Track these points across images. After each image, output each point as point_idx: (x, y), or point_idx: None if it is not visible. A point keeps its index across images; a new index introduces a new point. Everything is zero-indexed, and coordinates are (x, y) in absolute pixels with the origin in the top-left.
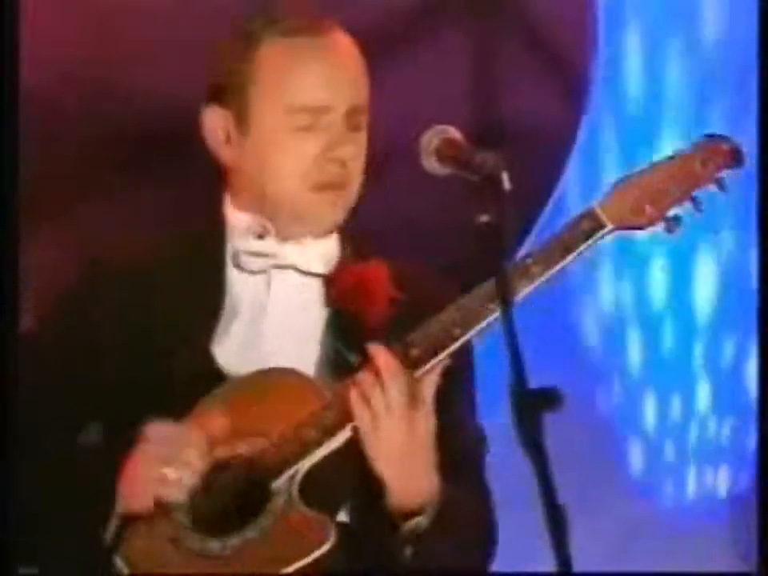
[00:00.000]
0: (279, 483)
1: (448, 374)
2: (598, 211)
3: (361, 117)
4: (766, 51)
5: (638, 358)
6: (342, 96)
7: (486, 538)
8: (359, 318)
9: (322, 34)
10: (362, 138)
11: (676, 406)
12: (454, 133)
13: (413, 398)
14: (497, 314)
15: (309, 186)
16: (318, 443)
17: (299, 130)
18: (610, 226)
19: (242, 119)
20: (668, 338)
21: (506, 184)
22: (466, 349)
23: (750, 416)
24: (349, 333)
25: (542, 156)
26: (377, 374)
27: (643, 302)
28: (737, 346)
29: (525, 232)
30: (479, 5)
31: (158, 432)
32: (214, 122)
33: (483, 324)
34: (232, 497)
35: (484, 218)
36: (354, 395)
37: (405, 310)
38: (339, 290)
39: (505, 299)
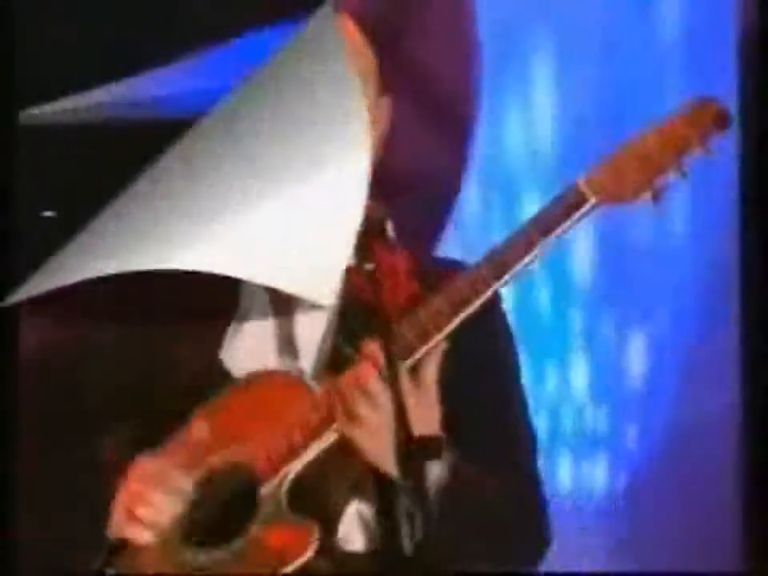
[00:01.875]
0: (267, 490)
1: (500, 373)
2: (582, 185)
3: None
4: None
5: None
6: None
7: (533, 534)
8: (372, 311)
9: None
10: None
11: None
12: None
13: (413, 386)
14: (484, 298)
15: None
16: (304, 446)
17: None
18: (593, 201)
19: None
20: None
21: (391, 232)
22: (514, 349)
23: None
24: (356, 327)
25: (427, 204)
26: (357, 378)
27: None
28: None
29: None
30: None
31: (137, 469)
32: None
33: (470, 309)
34: (222, 506)
35: (369, 266)
36: (337, 398)
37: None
38: (357, 283)
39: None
